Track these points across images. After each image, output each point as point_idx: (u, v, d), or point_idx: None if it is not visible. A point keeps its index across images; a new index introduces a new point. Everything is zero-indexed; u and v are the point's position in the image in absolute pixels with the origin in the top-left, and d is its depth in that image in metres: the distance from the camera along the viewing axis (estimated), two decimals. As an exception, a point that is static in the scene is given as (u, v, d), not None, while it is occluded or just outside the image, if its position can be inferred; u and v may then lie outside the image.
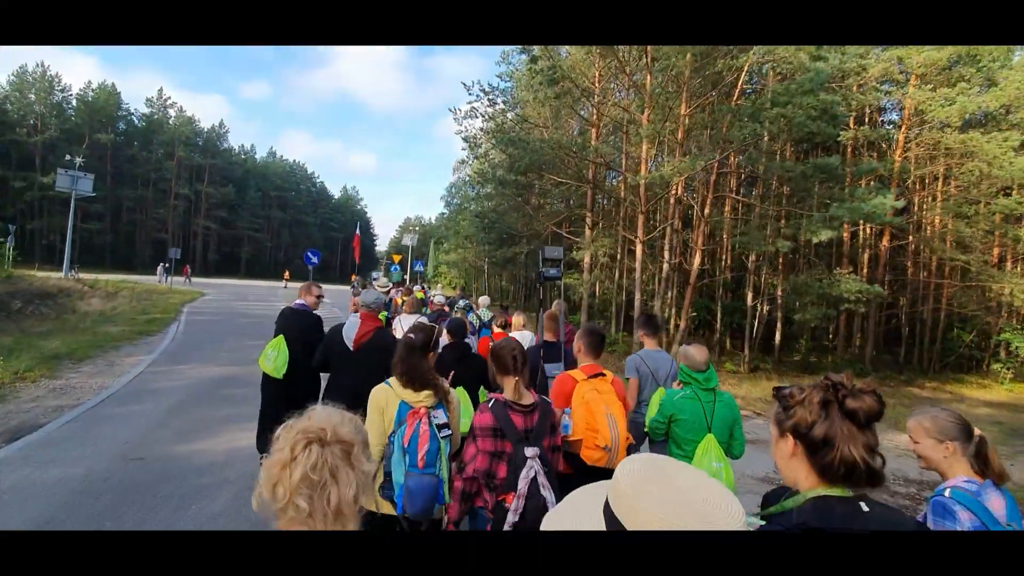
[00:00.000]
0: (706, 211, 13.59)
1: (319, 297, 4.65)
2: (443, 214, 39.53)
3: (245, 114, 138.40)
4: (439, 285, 29.78)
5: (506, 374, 2.36)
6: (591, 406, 2.62)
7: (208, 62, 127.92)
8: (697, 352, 3.01)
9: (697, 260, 13.72)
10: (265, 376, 4.30)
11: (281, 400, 4.18)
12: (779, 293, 17.69)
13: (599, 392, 2.70)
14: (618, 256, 16.95)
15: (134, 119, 61.32)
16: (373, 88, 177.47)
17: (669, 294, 14.93)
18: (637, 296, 13.11)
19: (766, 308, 17.17)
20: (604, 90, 16.64)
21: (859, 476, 1.00)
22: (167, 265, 34.11)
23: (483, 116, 15.84)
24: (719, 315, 16.94)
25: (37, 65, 52.84)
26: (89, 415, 6.10)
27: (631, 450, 2.70)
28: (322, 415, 1.07)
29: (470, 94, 15.15)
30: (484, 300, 8.56)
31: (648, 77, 13.09)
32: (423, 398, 2.36)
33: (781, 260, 18.20)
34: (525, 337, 5.39)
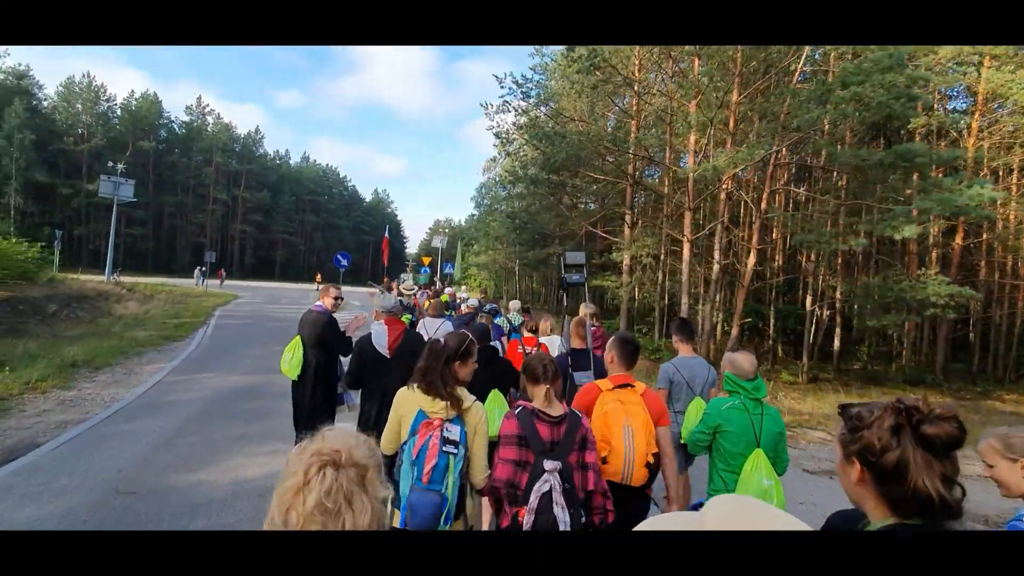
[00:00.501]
0: (762, 206, 12.38)
1: (337, 299, 4.64)
2: (473, 215, 39.00)
3: (279, 121, 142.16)
4: (463, 287, 29.23)
5: (536, 383, 2.28)
6: (608, 417, 2.51)
7: (245, 72, 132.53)
8: (745, 359, 2.79)
9: (751, 260, 12.53)
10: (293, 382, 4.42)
11: (296, 401, 4.38)
12: (838, 296, 16.25)
13: (622, 403, 2.55)
14: (661, 256, 15.82)
15: (175, 127, 63.25)
16: (401, 94, 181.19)
17: (718, 297, 13.74)
18: (684, 300, 12.02)
19: (825, 313, 15.73)
20: (644, 80, 15.58)
21: (934, 510, 0.92)
22: (203, 268, 34.67)
23: (516, 110, 15.01)
24: (771, 321, 15.60)
25: (83, 75, 55.04)
26: (91, 434, 5.53)
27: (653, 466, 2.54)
28: (336, 436, 1.02)
29: (502, 87, 14.30)
30: (514, 304, 8.27)
31: (696, 63, 12.03)
32: (439, 409, 2.22)
33: (839, 260, 16.73)
34: (553, 342, 5.31)
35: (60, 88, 54.09)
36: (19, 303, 14.76)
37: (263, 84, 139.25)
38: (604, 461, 2.44)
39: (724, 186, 12.58)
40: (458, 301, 10.32)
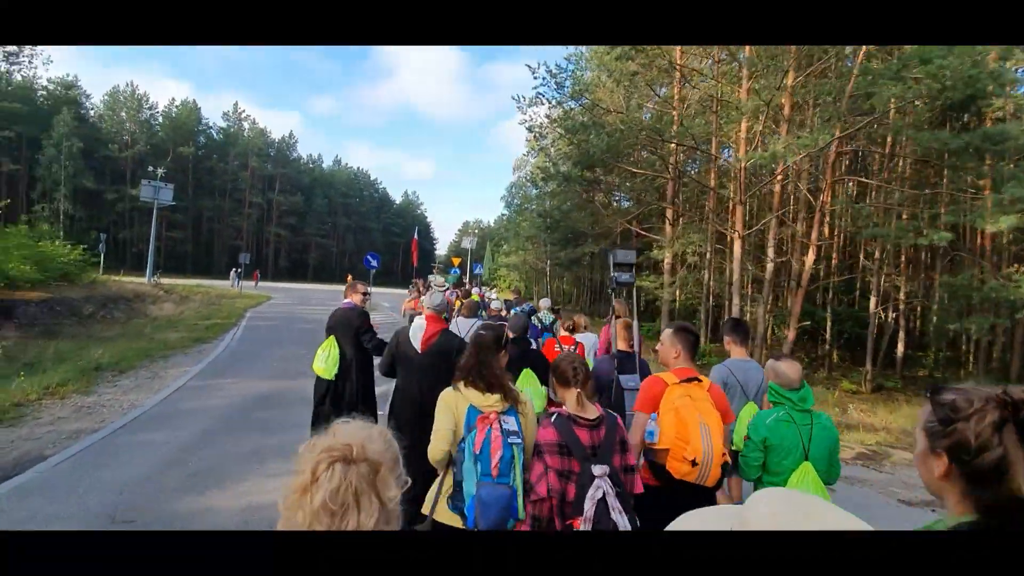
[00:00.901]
0: (825, 198, 11.31)
1: (365, 295, 4.63)
2: (503, 215, 38.41)
3: (314, 127, 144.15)
4: (493, 288, 28.63)
5: (566, 386, 2.22)
6: (681, 413, 2.37)
7: (282, 80, 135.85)
8: (789, 368, 2.60)
9: (810, 257, 11.45)
10: (317, 379, 4.33)
11: (334, 400, 4.22)
12: (901, 297, 14.90)
13: (692, 399, 2.43)
14: (707, 255, 14.83)
15: (212, 133, 65.00)
16: (431, 98, 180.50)
17: (771, 298, 12.69)
18: (735, 300, 11.06)
19: (891, 315, 14.42)
20: (687, 66, 14.61)
21: None
22: (238, 270, 35.22)
23: (549, 102, 14.29)
24: (828, 324, 14.39)
25: (127, 84, 57.14)
26: (101, 446, 5.10)
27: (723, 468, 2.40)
28: (349, 430, 0.96)
29: (535, 77, 13.58)
30: (544, 303, 8.32)
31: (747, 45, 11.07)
32: (492, 402, 2.21)
33: (903, 257, 15.36)
34: (588, 339, 5.21)
35: (106, 97, 56.26)
36: (56, 304, 14.90)
37: (299, 91, 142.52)
38: (695, 463, 2.30)
39: (779, 177, 11.56)
40: (487, 301, 10.40)
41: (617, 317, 4.08)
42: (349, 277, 41.45)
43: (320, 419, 4.18)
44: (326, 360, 4.20)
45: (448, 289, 12.19)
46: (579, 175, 18.97)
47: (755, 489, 2.55)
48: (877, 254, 13.55)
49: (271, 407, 6.68)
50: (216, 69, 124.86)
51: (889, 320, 14.38)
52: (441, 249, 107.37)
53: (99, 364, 8.38)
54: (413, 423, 2.99)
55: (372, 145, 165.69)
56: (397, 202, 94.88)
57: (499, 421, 2.14)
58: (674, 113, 14.14)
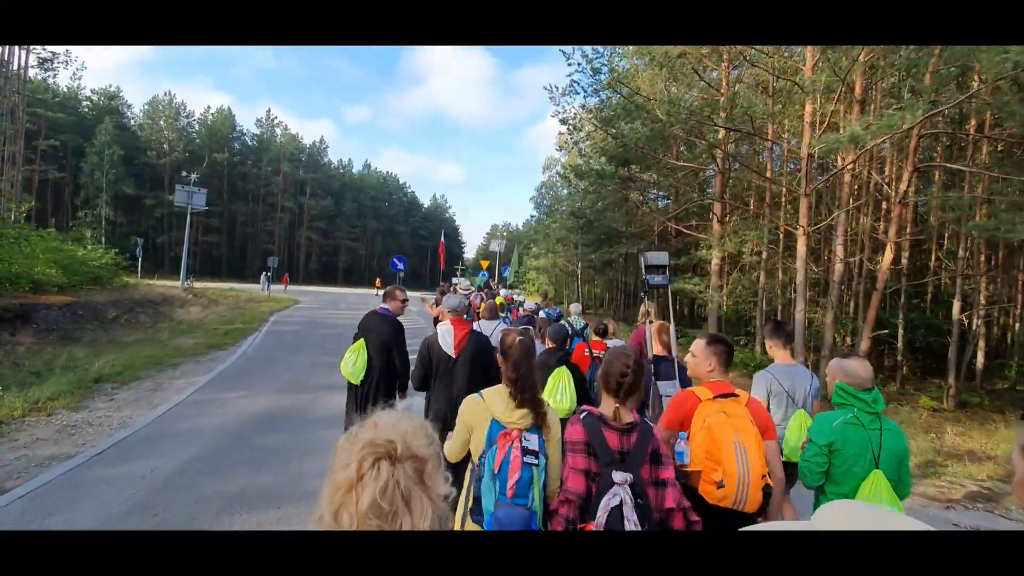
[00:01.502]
0: (903, 187, 9.85)
1: (404, 302, 4.49)
2: (532, 217, 37.32)
3: (348, 135, 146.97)
4: (520, 292, 27.62)
5: (608, 393, 2.05)
6: (714, 431, 2.15)
7: (317, 90, 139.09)
8: (860, 366, 2.38)
9: (887, 257, 10.01)
10: (350, 383, 4.23)
11: (359, 407, 4.08)
12: (982, 300, 13.18)
13: (728, 415, 2.19)
14: (763, 254, 13.44)
15: (246, 139, 66.28)
16: (461, 104, 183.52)
17: (831, 302, 11.22)
18: (800, 305, 9.72)
19: (977, 322, 12.73)
20: (733, 52, 13.32)
21: None
22: (268, 274, 35.33)
23: (584, 90, 13.22)
24: (900, 331, 12.81)
25: (165, 93, 58.75)
26: (68, 479, 4.31)
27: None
28: (390, 422, 0.90)
29: (569, 63, 12.53)
30: (575, 307, 8.13)
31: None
32: (517, 418, 2.10)
33: (983, 257, 13.63)
34: (616, 346, 5.20)
35: (145, 106, 57.97)
36: (80, 309, 14.65)
37: (333, 101, 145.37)
38: (720, 485, 2.10)
39: (849, 165, 10.19)
40: (514, 304, 10.35)
41: (650, 321, 3.93)
42: (378, 280, 41.15)
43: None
44: (354, 364, 4.07)
45: (473, 292, 11.50)
46: (614, 172, 17.85)
47: (817, 499, 2.48)
48: (961, 252, 11.93)
49: (274, 430, 5.83)
50: (255, 80, 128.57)
51: (976, 327, 12.68)
52: (469, 253, 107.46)
53: (100, 375, 7.74)
54: (448, 417, 2.85)
55: (403, 151, 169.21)
56: (426, 205, 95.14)
57: (520, 439, 2.05)
58: (722, 99, 12.85)
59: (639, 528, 1.81)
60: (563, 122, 14.28)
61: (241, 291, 31.47)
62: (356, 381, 4.07)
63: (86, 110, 53.84)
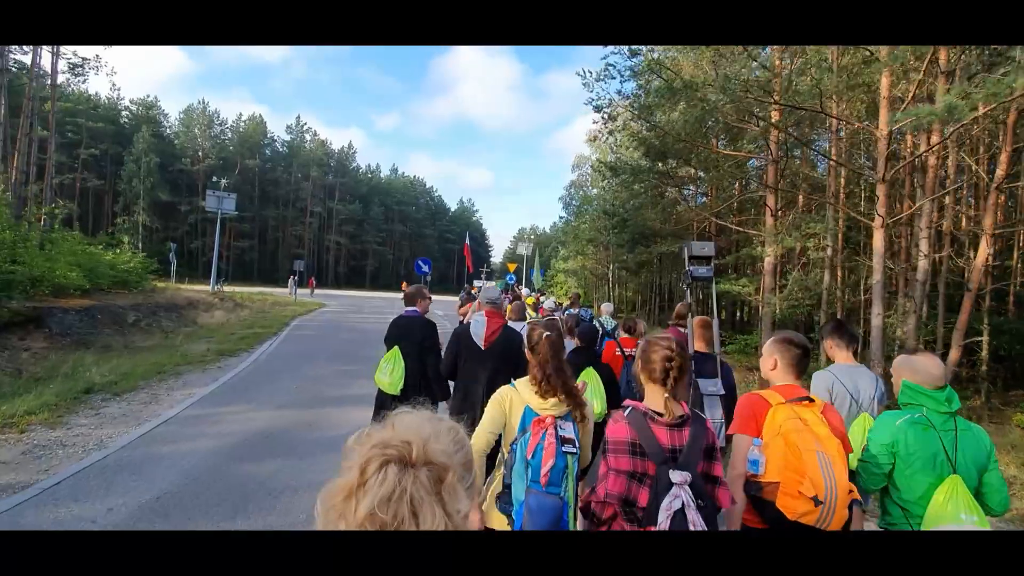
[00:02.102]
0: (999, 171, 8.39)
1: (429, 301, 4.42)
2: (561, 218, 35.92)
3: (378, 142, 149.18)
4: (548, 296, 26.50)
5: (653, 382, 1.84)
6: (791, 439, 1.93)
7: (348, 99, 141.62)
8: (930, 362, 2.16)
9: (982, 253, 8.56)
10: (380, 393, 4.00)
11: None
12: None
13: (804, 422, 1.97)
14: (828, 250, 11.98)
15: (277, 145, 67.32)
16: (487, 110, 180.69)
17: (921, 306, 9.76)
18: (876, 308, 8.35)
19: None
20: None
21: None
22: (295, 278, 35.30)
23: (621, 74, 12.10)
24: (986, 338, 11.19)
25: (199, 102, 60.18)
26: (6, 520, 3.51)
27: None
28: (410, 422, 0.80)
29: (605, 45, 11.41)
30: (607, 307, 8.01)
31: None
32: (550, 406, 2.07)
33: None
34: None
35: (180, 115, 59.49)
36: (100, 312, 14.32)
37: (364, 110, 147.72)
38: (818, 502, 1.83)
39: (937, 145, 8.79)
40: (540, 304, 10.24)
41: (679, 317, 3.71)
42: (404, 284, 40.64)
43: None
44: (391, 373, 3.86)
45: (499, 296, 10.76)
46: (648, 166, 16.67)
47: (879, 505, 2.28)
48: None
49: (267, 455, 4.95)
50: (291, 92, 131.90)
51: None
52: (496, 256, 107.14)
53: (91, 385, 7.06)
54: (477, 421, 2.52)
55: (431, 157, 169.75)
56: (452, 209, 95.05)
57: (555, 427, 2.01)
58: (777, 79, 11.54)
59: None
60: (597, 109, 13.15)
61: (269, 295, 31.44)
62: (396, 391, 3.84)
63: (125, 120, 55.52)
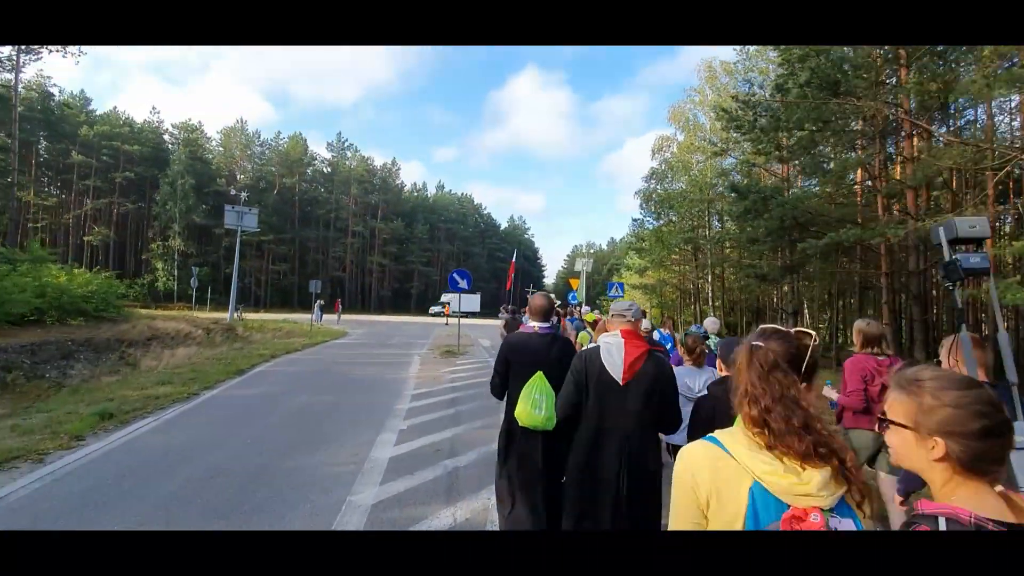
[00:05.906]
0: None
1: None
2: (635, 221, 29.10)
3: (436, 174, 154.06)
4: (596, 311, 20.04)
5: (972, 476, 0.94)
6: None
7: (410, 135, 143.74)
8: None
9: None
10: (510, 431, 3.01)
11: (547, 461, 2.83)
12: None
13: None
14: None
15: (317, 163, 64.59)
16: (541, 138, 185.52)
17: None
18: None
19: None
20: None
21: None
22: (321, 303, 30.30)
23: None
24: None
25: (237, 121, 58.35)
26: None
27: None
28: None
29: None
30: (711, 324, 6.62)
31: None
32: (813, 488, 1.01)
33: None
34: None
35: (218, 134, 57.72)
36: (52, 346, 9.53)
37: (424, 144, 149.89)
38: None
39: None
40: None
41: (869, 342, 3.23)
42: (447, 308, 33.82)
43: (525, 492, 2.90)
44: (545, 404, 2.77)
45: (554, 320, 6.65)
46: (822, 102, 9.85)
47: None
48: None
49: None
50: (355, 129, 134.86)
51: None
52: (549, 278, 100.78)
53: None
54: (617, 483, 2.10)
55: (487, 185, 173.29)
56: (503, 226, 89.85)
57: (827, 527, 0.99)
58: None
59: None
60: None
61: (290, 322, 26.56)
62: (550, 426, 2.77)
63: (168, 144, 54.09)
